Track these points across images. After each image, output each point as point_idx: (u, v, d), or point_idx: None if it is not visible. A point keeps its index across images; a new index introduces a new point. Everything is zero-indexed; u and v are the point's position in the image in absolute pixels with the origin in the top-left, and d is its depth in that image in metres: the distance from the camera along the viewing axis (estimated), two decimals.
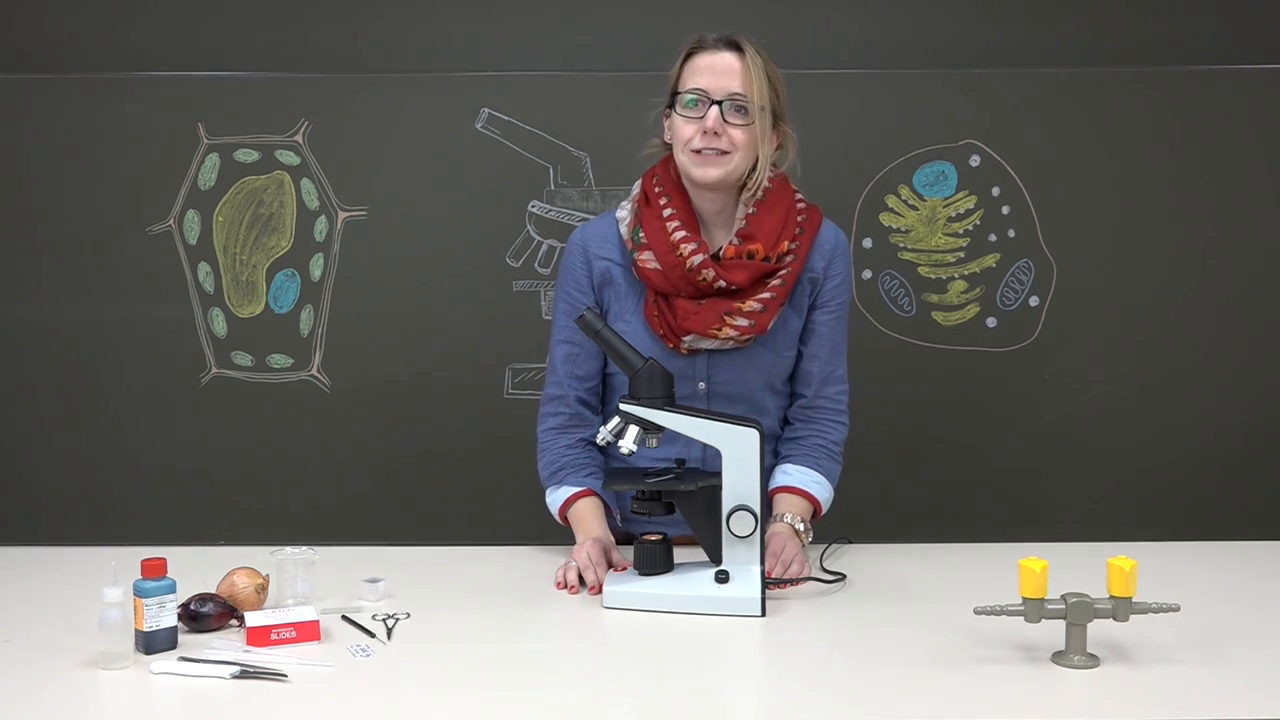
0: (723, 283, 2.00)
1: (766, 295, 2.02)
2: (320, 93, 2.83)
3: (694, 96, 1.96)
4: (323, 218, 2.86)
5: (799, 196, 2.09)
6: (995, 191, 2.84)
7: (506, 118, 2.83)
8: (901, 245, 2.86)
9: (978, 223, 2.85)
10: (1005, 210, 2.85)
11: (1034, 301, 2.87)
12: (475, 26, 2.93)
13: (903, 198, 2.85)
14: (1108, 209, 2.85)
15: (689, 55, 2.01)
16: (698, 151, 1.97)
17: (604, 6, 2.93)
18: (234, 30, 2.91)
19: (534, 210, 2.85)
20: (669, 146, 2.05)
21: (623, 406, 1.87)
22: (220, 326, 2.88)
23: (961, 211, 2.85)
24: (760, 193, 2.02)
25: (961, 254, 2.86)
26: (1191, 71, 2.83)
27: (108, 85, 2.83)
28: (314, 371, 2.89)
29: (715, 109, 1.95)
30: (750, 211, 2.03)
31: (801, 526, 2.04)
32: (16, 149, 2.83)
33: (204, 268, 2.87)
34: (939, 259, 2.87)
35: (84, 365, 2.88)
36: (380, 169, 2.84)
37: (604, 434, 1.89)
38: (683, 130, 1.98)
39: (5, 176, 2.84)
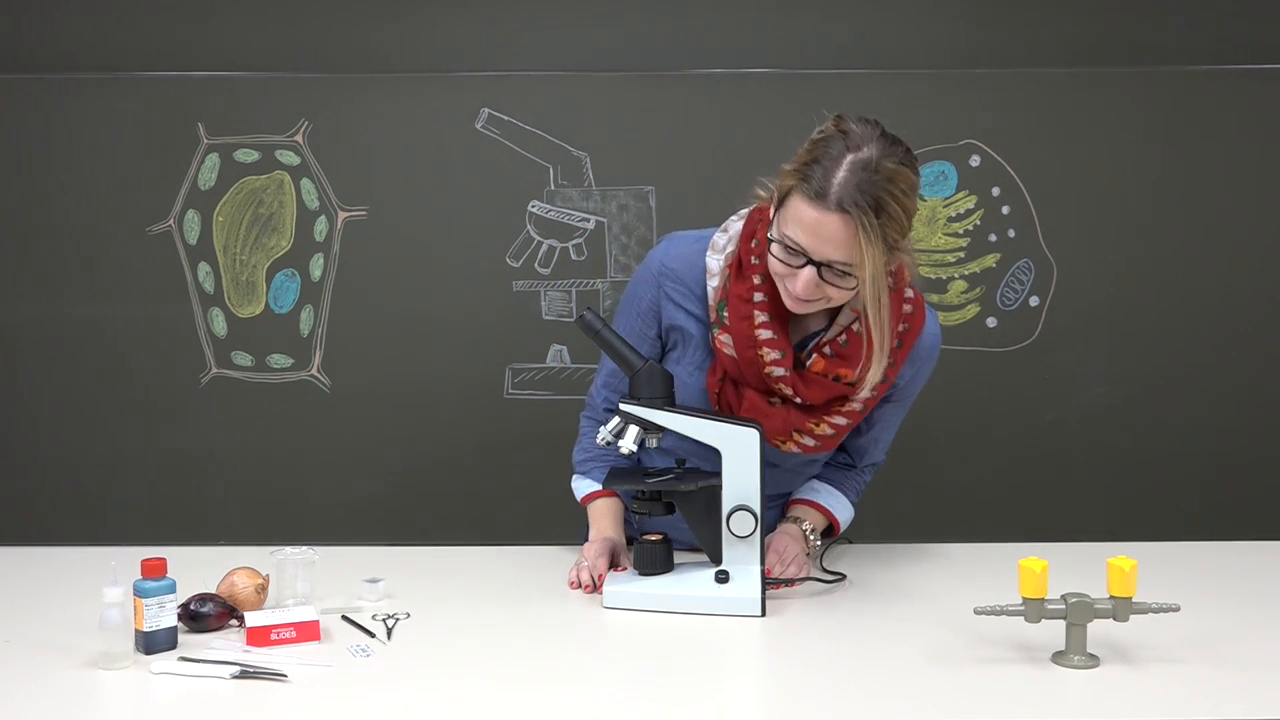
0: (799, 399, 1.87)
1: (842, 421, 1.90)
2: (320, 93, 2.83)
3: (794, 247, 1.72)
4: (323, 218, 2.86)
5: (908, 296, 1.88)
6: (995, 191, 2.84)
7: (506, 118, 2.83)
8: None
9: (978, 223, 2.85)
10: (1005, 210, 2.85)
11: (1034, 301, 2.87)
12: (475, 26, 2.92)
13: None
14: (1108, 209, 2.84)
15: (796, 187, 1.71)
16: (788, 289, 1.78)
17: (604, 7, 2.93)
18: (234, 30, 2.91)
19: (534, 210, 2.85)
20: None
21: (623, 406, 1.86)
22: (220, 326, 2.88)
23: (961, 211, 2.85)
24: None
25: (961, 254, 2.86)
26: (1191, 71, 2.83)
27: (108, 85, 2.82)
28: (314, 371, 2.89)
29: (810, 271, 1.71)
30: (854, 326, 1.83)
31: (811, 534, 2.03)
32: (16, 149, 2.83)
33: (204, 268, 2.87)
34: (939, 259, 2.87)
35: (84, 365, 2.87)
36: (380, 169, 2.84)
37: (604, 434, 1.89)
38: (775, 266, 1.77)
39: (5, 176, 2.84)
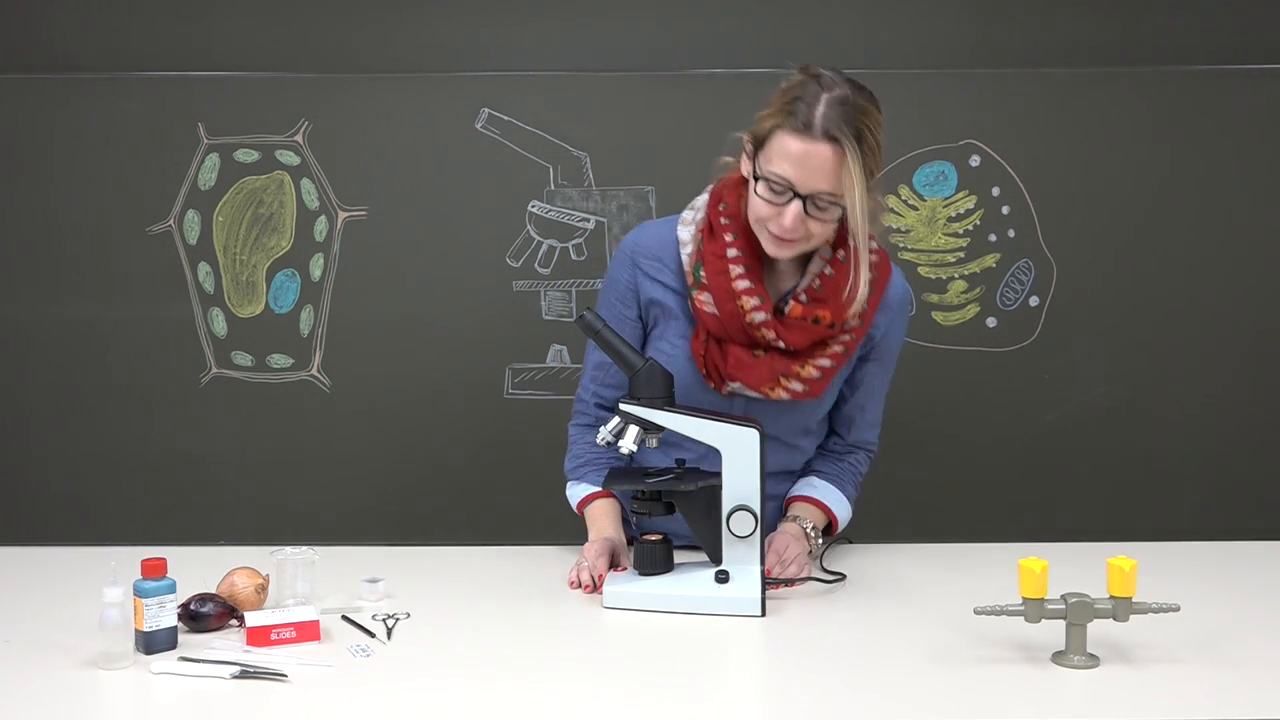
0: (782, 344, 1.93)
1: (826, 363, 1.95)
2: (320, 93, 2.83)
3: (779, 184, 1.81)
4: (323, 218, 2.86)
5: (873, 246, 1.95)
6: (995, 191, 2.84)
7: (506, 118, 2.83)
8: (901, 245, 2.86)
9: (978, 223, 2.85)
10: (1005, 210, 2.85)
11: (1034, 301, 2.87)
12: (475, 26, 2.93)
13: (903, 198, 2.85)
14: (1108, 209, 2.84)
15: (781, 125, 1.80)
16: (771, 232, 1.86)
17: (604, 6, 2.93)
18: (234, 30, 2.91)
19: (534, 210, 2.85)
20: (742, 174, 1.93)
21: (623, 406, 1.87)
22: (220, 326, 2.88)
23: (961, 211, 2.85)
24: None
25: (961, 254, 2.86)
26: (1191, 71, 2.83)
27: (108, 85, 2.82)
28: (314, 371, 2.89)
29: (797, 205, 1.80)
30: (825, 271, 1.92)
31: (811, 531, 2.04)
32: (16, 149, 2.83)
33: (204, 268, 2.87)
34: (939, 259, 2.87)
35: (84, 365, 2.87)
36: (380, 169, 2.84)
37: (604, 434, 1.89)
38: (759, 208, 1.85)
39: (5, 176, 2.84)
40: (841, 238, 1.93)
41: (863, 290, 1.90)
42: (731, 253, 1.91)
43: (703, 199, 2.00)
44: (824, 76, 1.81)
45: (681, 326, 2.00)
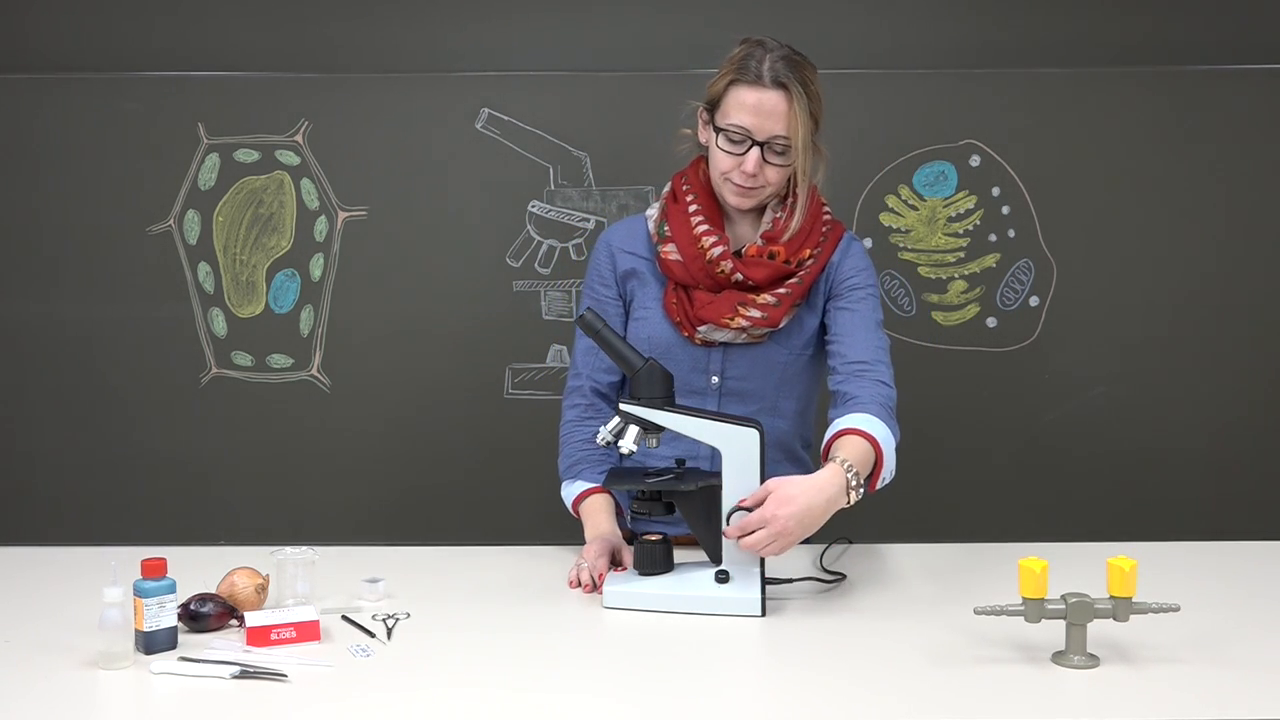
0: (740, 276, 2.02)
1: (782, 290, 2.03)
2: (320, 93, 2.83)
3: (738, 135, 1.97)
4: (323, 218, 2.86)
5: (826, 210, 2.10)
6: (995, 191, 2.85)
7: (506, 118, 2.83)
8: (901, 245, 2.86)
9: (978, 223, 2.86)
10: (1005, 210, 2.85)
11: (1034, 301, 2.87)
12: (475, 26, 2.93)
13: (903, 198, 2.85)
14: (1108, 209, 2.85)
15: (735, 81, 1.98)
16: (734, 182, 2.00)
17: (603, 7, 2.93)
18: (234, 30, 2.92)
19: (534, 210, 2.85)
20: (700, 146, 2.09)
21: (623, 406, 1.87)
22: (220, 326, 2.88)
23: (961, 211, 2.85)
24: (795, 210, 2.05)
25: (961, 254, 2.86)
26: (1191, 71, 2.83)
27: (108, 85, 2.83)
28: (314, 371, 2.89)
29: (756, 151, 1.97)
30: (778, 215, 2.06)
31: (852, 477, 1.82)
32: (16, 149, 2.83)
33: (204, 268, 2.87)
34: (939, 259, 2.87)
35: (84, 365, 2.88)
36: (380, 169, 2.85)
37: (604, 434, 1.89)
38: (721, 161, 2.01)
39: (5, 176, 2.84)
40: (792, 190, 2.05)
41: (798, 217, 2.03)
42: (693, 208, 2.07)
43: (665, 190, 2.15)
44: (766, 42, 2.00)
45: (655, 290, 2.11)
